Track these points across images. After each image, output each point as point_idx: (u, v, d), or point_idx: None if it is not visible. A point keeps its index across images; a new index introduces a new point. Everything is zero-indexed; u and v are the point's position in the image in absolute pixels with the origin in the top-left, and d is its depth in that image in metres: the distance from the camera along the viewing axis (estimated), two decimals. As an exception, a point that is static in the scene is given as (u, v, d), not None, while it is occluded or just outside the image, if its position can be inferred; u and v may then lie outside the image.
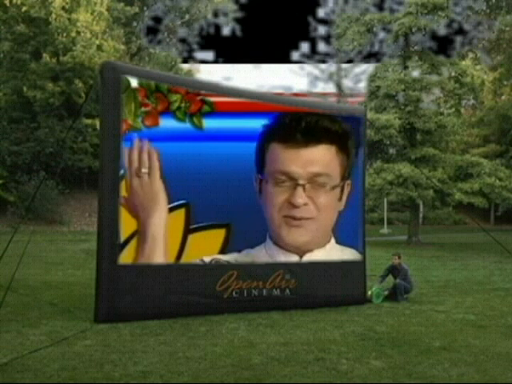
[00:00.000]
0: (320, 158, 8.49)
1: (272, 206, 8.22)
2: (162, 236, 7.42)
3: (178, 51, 39.62)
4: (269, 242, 8.27)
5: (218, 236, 7.94)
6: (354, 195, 9.06)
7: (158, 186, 7.46)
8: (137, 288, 7.27)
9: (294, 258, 8.44)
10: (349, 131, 8.89)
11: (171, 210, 7.58)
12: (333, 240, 8.75)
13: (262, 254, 8.22)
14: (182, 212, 7.68)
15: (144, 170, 7.35)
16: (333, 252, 8.74)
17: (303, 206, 8.25)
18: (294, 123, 8.39)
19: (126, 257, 7.23)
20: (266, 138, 8.27)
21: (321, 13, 38.88)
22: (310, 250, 8.53)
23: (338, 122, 8.77)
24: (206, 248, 7.86)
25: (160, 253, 7.42)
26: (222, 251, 7.93)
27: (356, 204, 9.10)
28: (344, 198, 8.79)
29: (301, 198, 8.22)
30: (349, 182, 8.83)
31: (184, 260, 7.65)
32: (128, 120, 7.34)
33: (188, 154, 7.80)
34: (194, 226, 7.77)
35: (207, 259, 7.83)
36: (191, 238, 7.73)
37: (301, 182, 8.25)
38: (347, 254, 8.92)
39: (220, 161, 8.01)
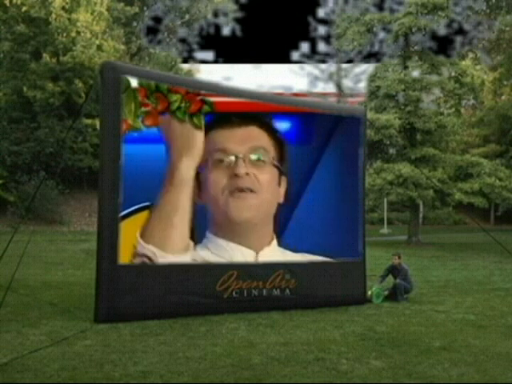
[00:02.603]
0: (254, 134, 8.43)
1: (214, 190, 7.98)
2: None
3: (178, 51, 39.66)
4: (211, 238, 8.00)
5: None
6: (354, 195, 9.05)
7: None
8: (137, 288, 7.26)
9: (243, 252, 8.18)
10: (274, 124, 8.65)
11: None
12: (275, 241, 8.49)
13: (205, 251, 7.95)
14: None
15: None
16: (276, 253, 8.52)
17: (245, 175, 8.15)
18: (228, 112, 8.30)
19: None
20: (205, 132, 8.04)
21: (321, 13, 39.14)
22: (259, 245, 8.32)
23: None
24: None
25: None
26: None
27: (356, 203, 9.10)
28: (283, 187, 8.56)
29: (242, 168, 8.13)
30: (284, 178, 8.60)
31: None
32: (128, 120, 7.33)
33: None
34: None
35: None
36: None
37: (240, 155, 8.17)
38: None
39: None
